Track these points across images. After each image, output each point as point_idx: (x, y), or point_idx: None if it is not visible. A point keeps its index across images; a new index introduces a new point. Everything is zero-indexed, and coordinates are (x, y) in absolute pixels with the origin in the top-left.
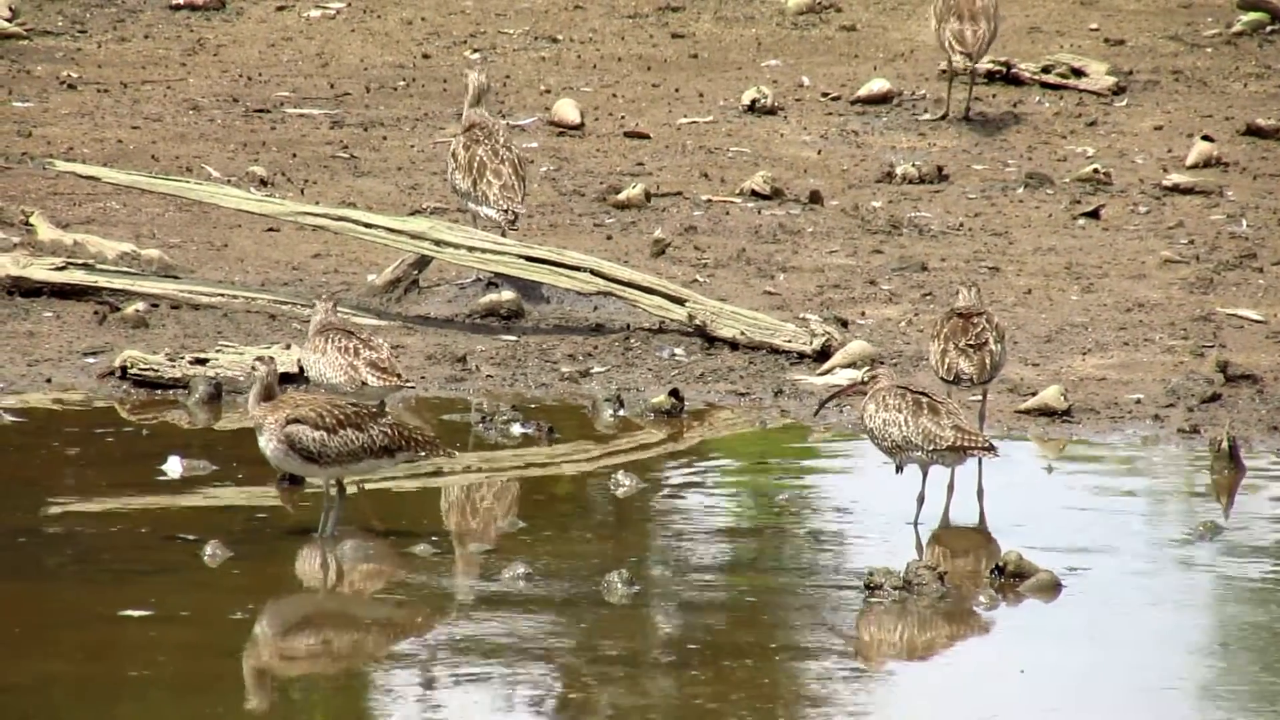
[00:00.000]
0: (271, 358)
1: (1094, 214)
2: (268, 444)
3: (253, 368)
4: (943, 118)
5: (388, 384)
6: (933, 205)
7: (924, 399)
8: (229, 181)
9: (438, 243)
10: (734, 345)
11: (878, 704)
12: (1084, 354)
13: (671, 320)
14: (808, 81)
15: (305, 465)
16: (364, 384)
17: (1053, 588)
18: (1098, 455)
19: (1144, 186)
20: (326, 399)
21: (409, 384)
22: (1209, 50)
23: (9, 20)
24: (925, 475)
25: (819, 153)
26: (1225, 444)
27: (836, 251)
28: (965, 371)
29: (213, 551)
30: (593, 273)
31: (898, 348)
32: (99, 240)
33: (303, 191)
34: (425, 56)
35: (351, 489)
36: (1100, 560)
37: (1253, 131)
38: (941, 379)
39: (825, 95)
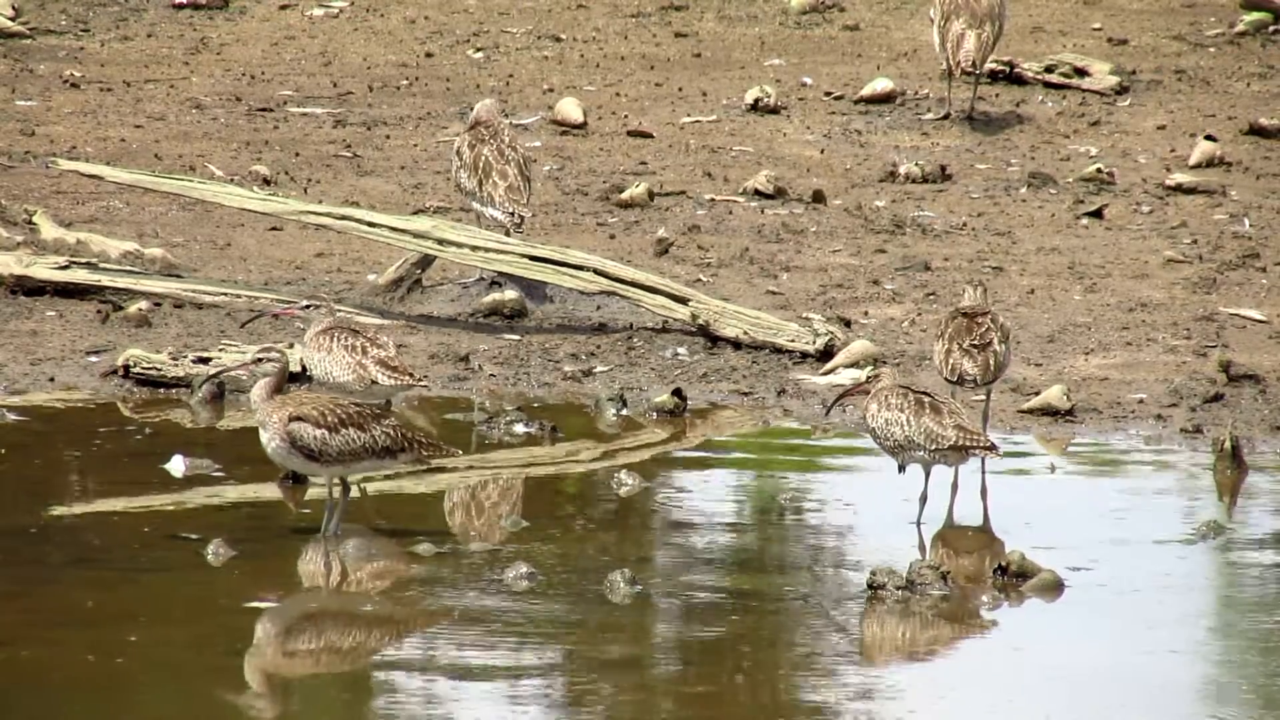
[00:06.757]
0: (281, 350)
1: (1097, 214)
2: (270, 441)
3: (257, 360)
4: (945, 117)
5: (399, 382)
6: (936, 205)
7: (926, 399)
8: (232, 180)
9: (441, 242)
10: (737, 345)
11: (880, 704)
12: (1087, 354)
13: (674, 320)
14: (811, 81)
15: (307, 463)
16: (374, 382)
17: (1055, 587)
18: (1100, 455)
19: (1147, 186)
20: (330, 398)
21: (421, 382)
22: (1212, 50)
23: (12, 19)
24: (928, 475)
25: (822, 152)
26: (1228, 444)
27: (839, 251)
28: (969, 372)
29: (216, 550)
30: (596, 272)
31: (901, 347)
32: (102, 239)
33: (306, 190)
34: (428, 55)
35: (355, 489)
36: (1103, 560)
37: (1256, 131)
38: (945, 379)
39: (828, 94)
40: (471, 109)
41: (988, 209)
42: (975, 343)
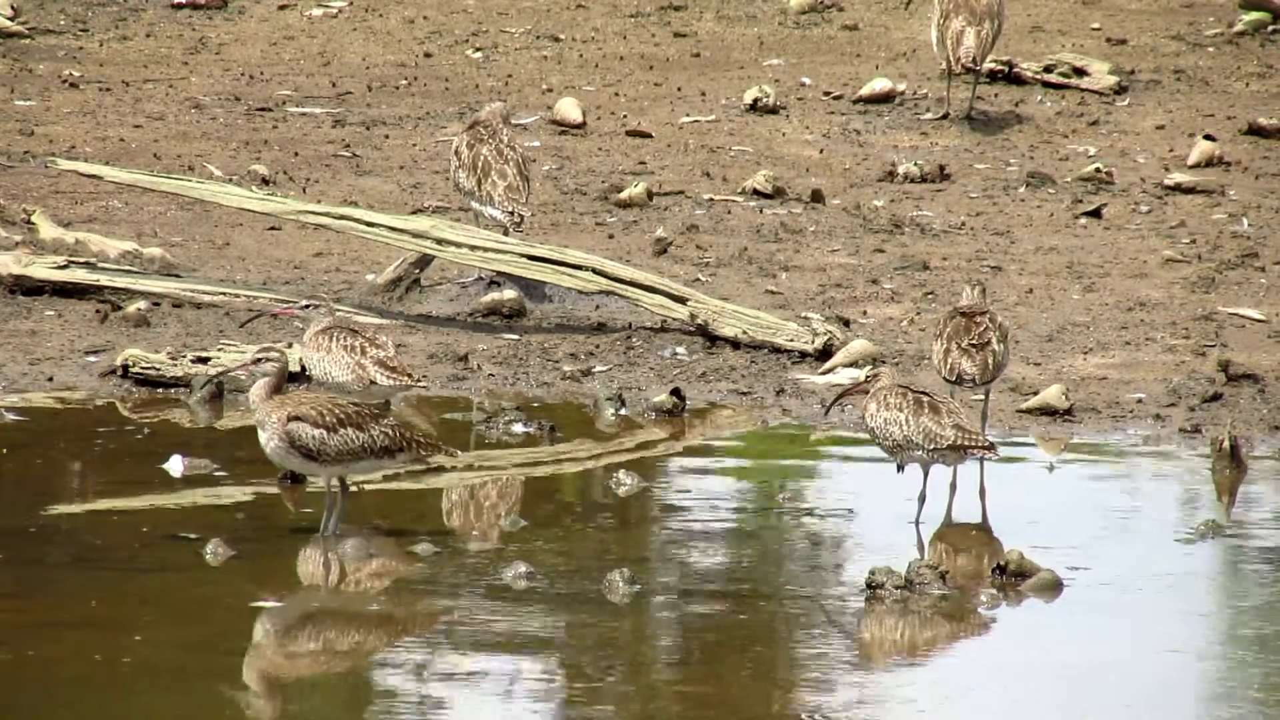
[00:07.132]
0: (280, 350)
1: (1096, 213)
2: (269, 441)
3: (256, 360)
4: (944, 117)
5: (398, 382)
6: (935, 204)
7: (925, 398)
8: (231, 180)
9: (439, 241)
10: (736, 344)
11: (879, 704)
12: (1085, 353)
13: (673, 319)
14: (809, 81)
15: (305, 463)
16: (372, 382)
17: (1054, 587)
18: (1099, 454)
19: (1146, 186)
20: (329, 398)
21: (420, 382)
22: (1211, 50)
23: (11, 19)
24: (926, 474)
25: (821, 152)
26: (1227, 443)
27: (838, 250)
28: (968, 371)
29: (215, 550)
30: (595, 272)
31: (899, 347)
32: (101, 239)
33: (305, 190)
34: (427, 55)
35: (354, 487)
36: (1102, 559)
37: (1254, 131)
38: (944, 379)
39: (827, 94)
40: (471, 109)
41: (986, 209)
42: (974, 342)
